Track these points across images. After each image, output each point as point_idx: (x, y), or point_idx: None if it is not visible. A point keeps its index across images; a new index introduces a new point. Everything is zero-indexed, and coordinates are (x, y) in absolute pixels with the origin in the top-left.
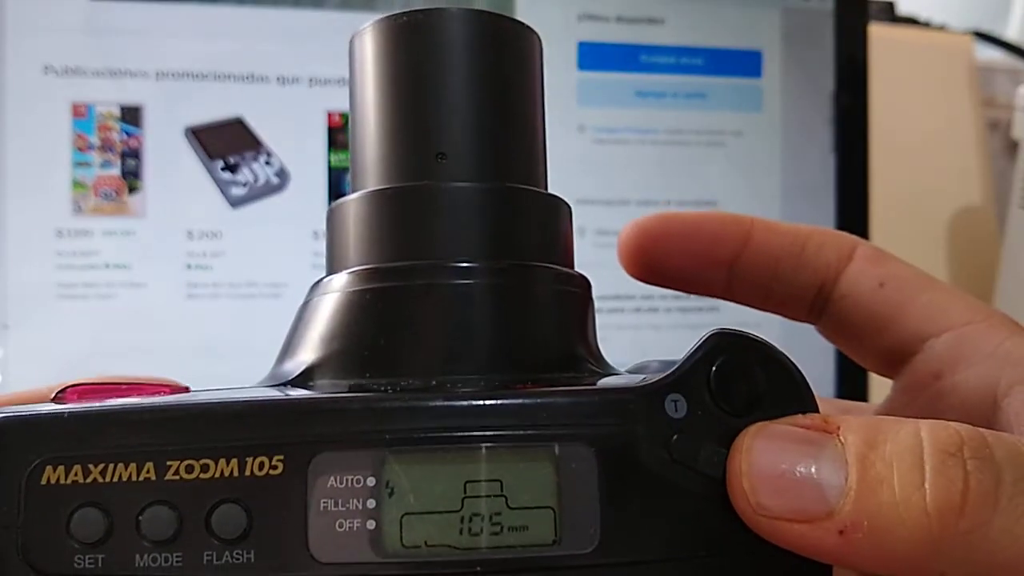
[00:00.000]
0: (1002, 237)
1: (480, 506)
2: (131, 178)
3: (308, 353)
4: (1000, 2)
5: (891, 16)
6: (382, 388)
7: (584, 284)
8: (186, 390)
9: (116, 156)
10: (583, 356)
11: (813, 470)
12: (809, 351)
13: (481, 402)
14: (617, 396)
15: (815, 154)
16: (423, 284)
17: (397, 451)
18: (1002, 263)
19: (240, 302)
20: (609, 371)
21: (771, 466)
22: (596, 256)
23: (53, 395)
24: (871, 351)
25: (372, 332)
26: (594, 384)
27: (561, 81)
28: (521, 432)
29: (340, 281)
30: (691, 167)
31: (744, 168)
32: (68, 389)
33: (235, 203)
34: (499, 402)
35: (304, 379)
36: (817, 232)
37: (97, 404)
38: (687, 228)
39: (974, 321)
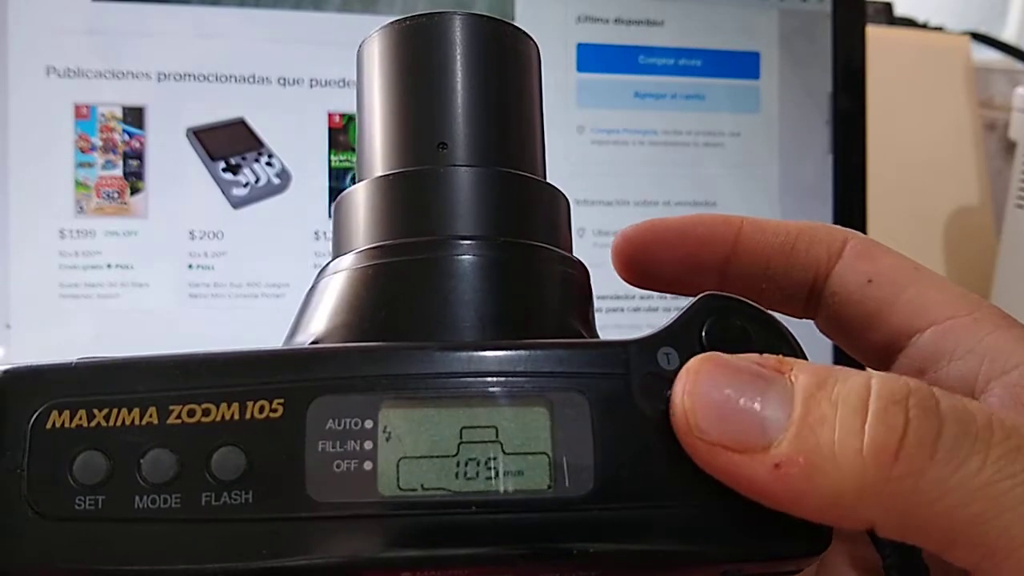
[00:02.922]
0: (999, 237)
1: (476, 452)
2: (133, 179)
3: (314, 328)
4: (997, 3)
5: (889, 17)
6: None
7: (582, 269)
8: None
9: (118, 157)
10: (580, 332)
11: (757, 403)
12: (807, 346)
13: (478, 351)
14: (611, 347)
15: (813, 155)
16: (422, 258)
17: (395, 396)
18: (999, 263)
19: (242, 302)
20: None
21: (715, 391)
22: (596, 256)
23: None
24: (862, 347)
25: (374, 305)
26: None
27: (560, 82)
28: (517, 380)
29: (346, 262)
30: (689, 168)
31: (742, 169)
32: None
33: (237, 204)
34: (496, 352)
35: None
36: (807, 229)
37: (102, 357)
38: (674, 234)
39: (958, 315)
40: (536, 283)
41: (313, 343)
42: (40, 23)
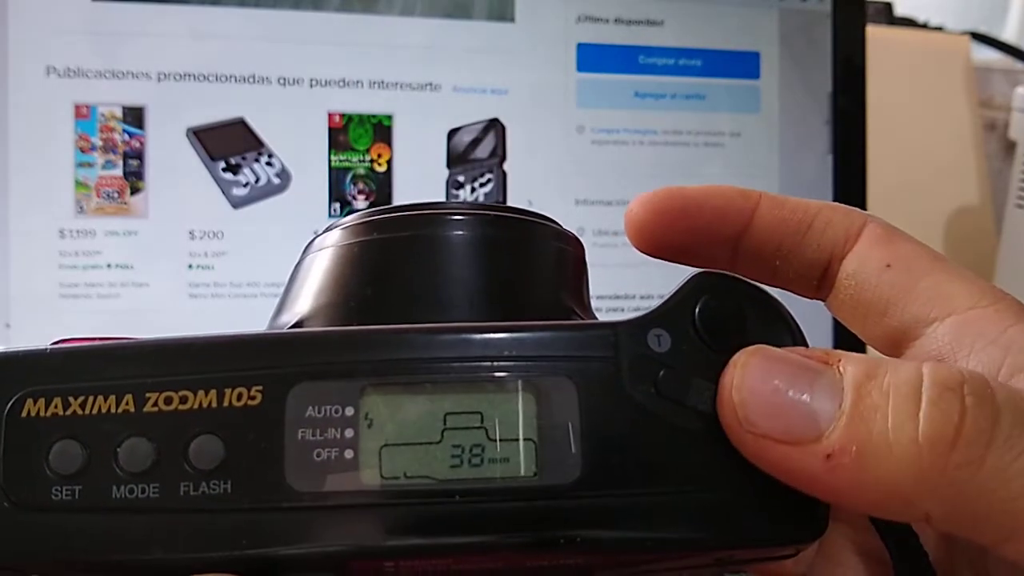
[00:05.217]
0: (999, 237)
1: (461, 438)
2: (133, 179)
3: (300, 307)
4: (997, 3)
5: (889, 17)
6: None
7: (577, 244)
8: None
9: (118, 157)
10: (572, 309)
11: (807, 395)
12: (806, 328)
13: (462, 335)
14: (599, 330)
15: (813, 155)
16: (410, 235)
17: (376, 382)
18: (999, 262)
19: (242, 302)
20: None
21: (765, 384)
22: (596, 256)
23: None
24: (875, 332)
25: (360, 283)
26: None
27: (560, 82)
28: (502, 364)
29: (332, 238)
30: (689, 168)
31: (742, 169)
32: (60, 342)
33: (237, 203)
34: (481, 336)
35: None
36: (826, 208)
37: (77, 344)
38: (691, 203)
39: (979, 306)
40: (529, 260)
41: (297, 323)
42: (40, 23)
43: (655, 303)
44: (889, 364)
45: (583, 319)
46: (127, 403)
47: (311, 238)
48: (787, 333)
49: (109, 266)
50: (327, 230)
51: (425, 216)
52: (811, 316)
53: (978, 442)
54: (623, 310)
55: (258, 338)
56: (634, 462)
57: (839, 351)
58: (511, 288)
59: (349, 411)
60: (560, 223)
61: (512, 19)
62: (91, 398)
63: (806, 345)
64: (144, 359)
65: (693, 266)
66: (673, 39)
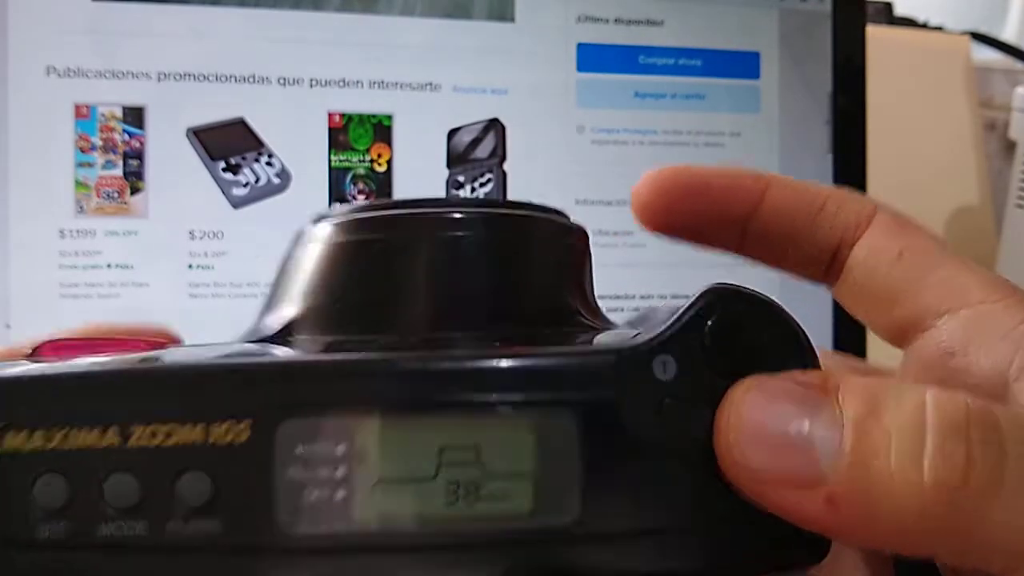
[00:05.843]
0: (999, 237)
1: (456, 474)
2: (133, 178)
3: (289, 307)
4: (997, 3)
5: (889, 17)
6: (360, 347)
7: (581, 236)
8: (179, 342)
9: (118, 157)
10: (577, 310)
11: (806, 431)
12: (807, 312)
13: (458, 365)
14: (601, 358)
15: (813, 155)
16: (407, 236)
17: (369, 416)
18: (999, 263)
19: (242, 302)
20: (604, 325)
21: (761, 421)
22: (596, 256)
23: (31, 350)
24: (883, 321)
25: (353, 286)
26: (581, 342)
27: (560, 82)
28: (499, 397)
29: (324, 230)
30: None
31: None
32: (46, 344)
33: (237, 203)
34: (476, 365)
35: (283, 335)
36: (837, 193)
37: (60, 367)
38: (699, 183)
39: (990, 300)
40: (531, 261)
41: (286, 326)
42: (40, 23)
43: (655, 302)
44: (891, 396)
45: (588, 320)
46: (111, 436)
47: (301, 227)
48: (798, 355)
49: (109, 266)
50: (319, 220)
51: (422, 215)
52: (811, 318)
53: (985, 489)
54: (623, 310)
55: (246, 367)
56: (635, 495)
57: (838, 374)
58: (511, 292)
59: (341, 448)
60: (565, 213)
61: (512, 19)
62: (74, 431)
63: (817, 366)
64: (127, 389)
65: (702, 247)
66: (673, 39)
